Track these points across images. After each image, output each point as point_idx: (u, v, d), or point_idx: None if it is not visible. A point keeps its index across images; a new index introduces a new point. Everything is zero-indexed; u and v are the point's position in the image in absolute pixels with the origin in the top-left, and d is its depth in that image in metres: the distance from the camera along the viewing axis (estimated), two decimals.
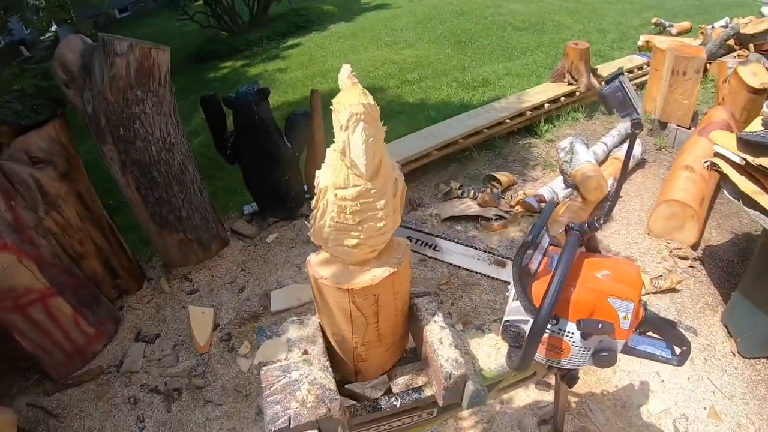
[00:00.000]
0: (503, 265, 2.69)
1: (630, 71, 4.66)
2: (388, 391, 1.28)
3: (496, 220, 2.95)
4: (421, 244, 2.88)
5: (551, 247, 1.05)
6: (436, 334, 1.12)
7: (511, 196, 3.18)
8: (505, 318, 1.02)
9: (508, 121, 3.81)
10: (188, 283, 3.04)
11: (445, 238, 2.86)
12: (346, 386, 1.31)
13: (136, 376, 2.59)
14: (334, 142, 0.89)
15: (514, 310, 0.99)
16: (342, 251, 0.99)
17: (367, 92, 0.82)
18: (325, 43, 7.77)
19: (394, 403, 1.16)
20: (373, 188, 0.88)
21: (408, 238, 2.85)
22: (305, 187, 3.42)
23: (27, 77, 2.44)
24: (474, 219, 3.09)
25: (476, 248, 2.77)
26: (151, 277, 3.13)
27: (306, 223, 3.31)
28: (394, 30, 7.69)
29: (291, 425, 0.97)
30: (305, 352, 1.13)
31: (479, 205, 3.10)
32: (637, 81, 4.65)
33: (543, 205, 2.92)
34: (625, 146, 2.47)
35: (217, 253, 3.18)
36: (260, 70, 6.97)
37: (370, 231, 0.93)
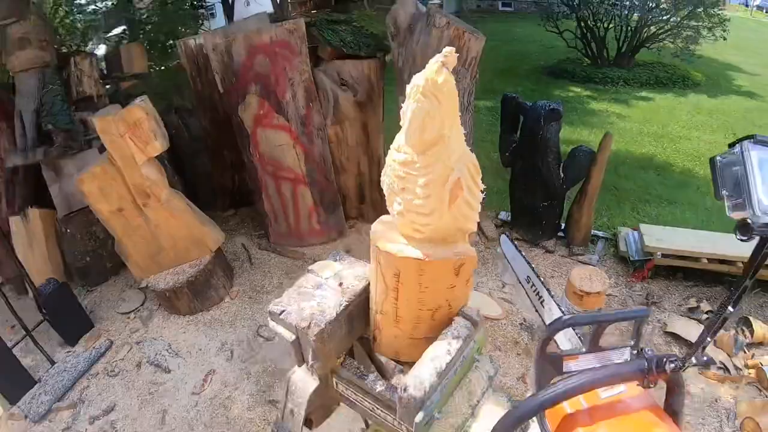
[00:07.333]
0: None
1: None
2: (386, 377, 1.25)
3: (718, 368, 2.45)
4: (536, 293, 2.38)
5: None
6: (435, 350, 1.03)
7: (753, 354, 2.55)
8: None
9: None
10: None
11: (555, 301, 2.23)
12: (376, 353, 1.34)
13: None
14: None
15: None
16: (391, 214, 1.04)
17: (445, 71, 0.81)
18: (676, 108, 6.86)
19: (375, 386, 1.15)
20: (418, 163, 0.89)
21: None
22: (562, 224, 3.26)
23: (375, 21, 3.06)
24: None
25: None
26: None
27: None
28: (754, 125, 6.36)
29: (280, 315, 1.13)
30: (341, 284, 1.24)
31: (713, 341, 2.45)
32: None
33: None
34: None
35: None
36: (602, 107, 6.84)
37: (409, 205, 0.95)
